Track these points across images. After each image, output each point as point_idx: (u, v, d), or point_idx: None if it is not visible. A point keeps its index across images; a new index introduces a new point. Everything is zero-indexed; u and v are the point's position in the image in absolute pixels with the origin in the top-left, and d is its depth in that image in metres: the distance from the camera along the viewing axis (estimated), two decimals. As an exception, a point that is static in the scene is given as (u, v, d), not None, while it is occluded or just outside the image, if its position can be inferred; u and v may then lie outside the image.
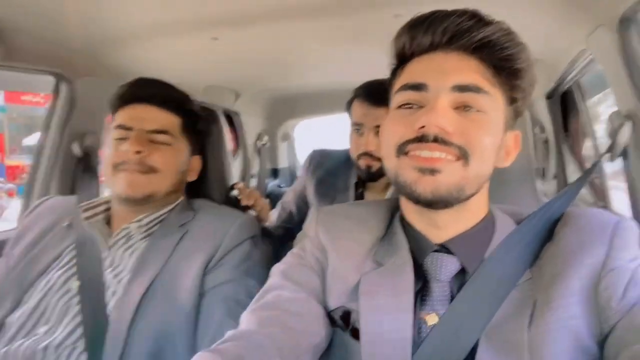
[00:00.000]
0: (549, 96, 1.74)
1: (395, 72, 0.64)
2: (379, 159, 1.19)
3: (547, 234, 0.61)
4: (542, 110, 1.84)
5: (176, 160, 0.94)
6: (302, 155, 3.01)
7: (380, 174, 1.22)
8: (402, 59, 0.62)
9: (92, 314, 0.81)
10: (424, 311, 0.59)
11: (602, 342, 0.52)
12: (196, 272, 0.85)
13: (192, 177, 1.04)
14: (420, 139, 0.55)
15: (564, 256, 0.56)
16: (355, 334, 0.60)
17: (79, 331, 0.80)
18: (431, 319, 0.58)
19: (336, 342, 0.63)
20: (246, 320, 0.61)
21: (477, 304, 0.56)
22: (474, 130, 0.55)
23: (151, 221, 0.93)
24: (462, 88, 0.55)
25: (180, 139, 0.96)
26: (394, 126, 0.59)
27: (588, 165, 1.67)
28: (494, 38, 0.55)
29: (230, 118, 2.30)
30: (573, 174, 1.77)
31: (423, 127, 0.54)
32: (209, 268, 0.87)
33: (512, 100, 0.60)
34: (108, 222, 0.95)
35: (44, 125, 1.32)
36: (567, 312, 0.52)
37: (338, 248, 0.66)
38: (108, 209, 0.96)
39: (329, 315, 0.64)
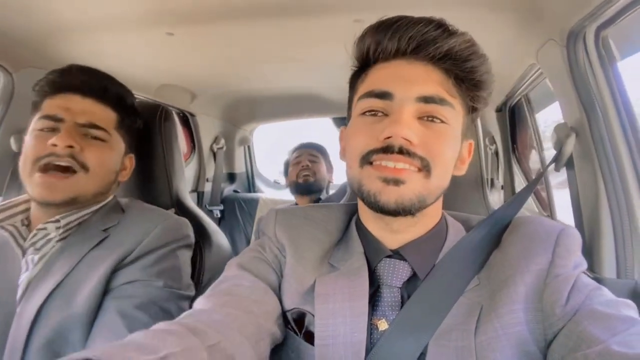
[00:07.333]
0: (499, 109, 1.81)
1: (357, 76, 0.64)
2: None
3: (495, 240, 0.62)
4: (492, 122, 1.91)
5: (111, 158, 0.86)
6: (260, 160, 2.97)
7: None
8: (365, 63, 0.62)
9: (2, 321, 0.74)
10: (375, 316, 0.59)
11: (545, 348, 0.52)
12: (101, 275, 0.77)
13: (124, 177, 0.95)
14: (385, 149, 0.55)
15: (510, 263, 0.57)
16: (308, 337, 0.58)
17: None
18: (382, 325, 0.58)
19: (289, 345, 0.61)
20: (202, 303, 0.57)
21: (426, 311, 0.56)
22: (437, 143, 0.56)
23: (70, 222, 0.84)
24: (426, 99, 0.56)
25: (116, 136, 0.88)
26: (359, 135, 0.58)
27: (534, 176, 1.75)
28: (459, 50, 0.56)
29: (185, 119, 2.22)
30: (520, 185, 1.85)
31: (388, 137, 0.54)
32: (118, 267, 0.79)
33: (470, 110, 0.61)
34: (30, 222, 0.86)
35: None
36: (513, 319, 0.53)
37: (295, 248, 0.65)
38: (28, 209, 0.87)
39: (284, 315, 0.62)
